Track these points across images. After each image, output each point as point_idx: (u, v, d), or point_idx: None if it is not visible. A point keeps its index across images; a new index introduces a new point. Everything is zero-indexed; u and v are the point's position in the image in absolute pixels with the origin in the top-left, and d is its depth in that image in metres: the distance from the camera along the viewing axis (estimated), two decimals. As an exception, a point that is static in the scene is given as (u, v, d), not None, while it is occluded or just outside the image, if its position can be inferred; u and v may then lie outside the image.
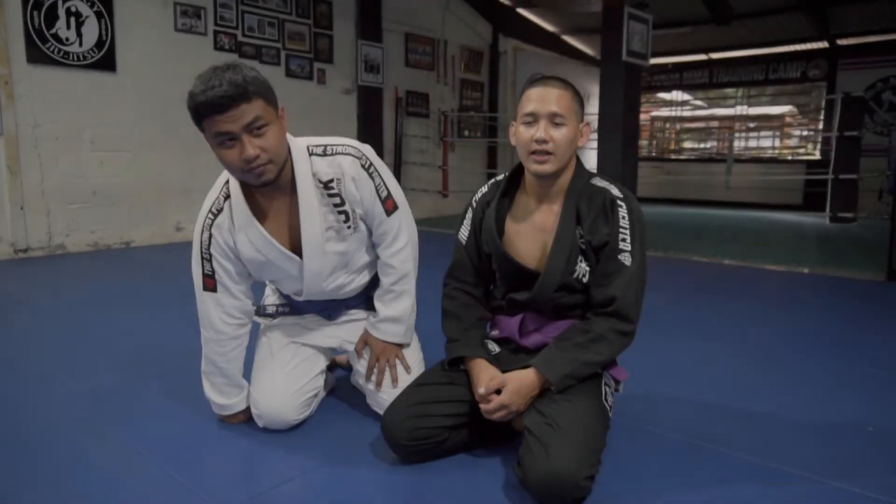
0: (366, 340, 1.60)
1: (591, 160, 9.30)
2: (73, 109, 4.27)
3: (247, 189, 1.43)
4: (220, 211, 1.45)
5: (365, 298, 1.68)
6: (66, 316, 2.72)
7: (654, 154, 10.57)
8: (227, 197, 1.45)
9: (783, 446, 1.52)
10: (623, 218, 1.34)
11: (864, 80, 8.07)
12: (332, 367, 1.88)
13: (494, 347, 1.48)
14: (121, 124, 4.52)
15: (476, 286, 1.54)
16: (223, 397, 1.58)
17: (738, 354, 2.29)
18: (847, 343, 2.46)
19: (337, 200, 1.46)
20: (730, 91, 9.77)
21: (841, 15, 7.52)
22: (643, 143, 10.32)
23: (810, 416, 1.72)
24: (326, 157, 1.46)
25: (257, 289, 1.63)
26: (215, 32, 5.03)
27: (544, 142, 1.33)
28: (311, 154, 1.45)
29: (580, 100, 1.40)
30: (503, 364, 1.40)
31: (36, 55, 4.04)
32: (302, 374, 1.59)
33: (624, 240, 1.33)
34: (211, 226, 1.45)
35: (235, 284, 1.50)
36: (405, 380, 1.56)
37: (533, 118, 1.35)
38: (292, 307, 1.67)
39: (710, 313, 2.93)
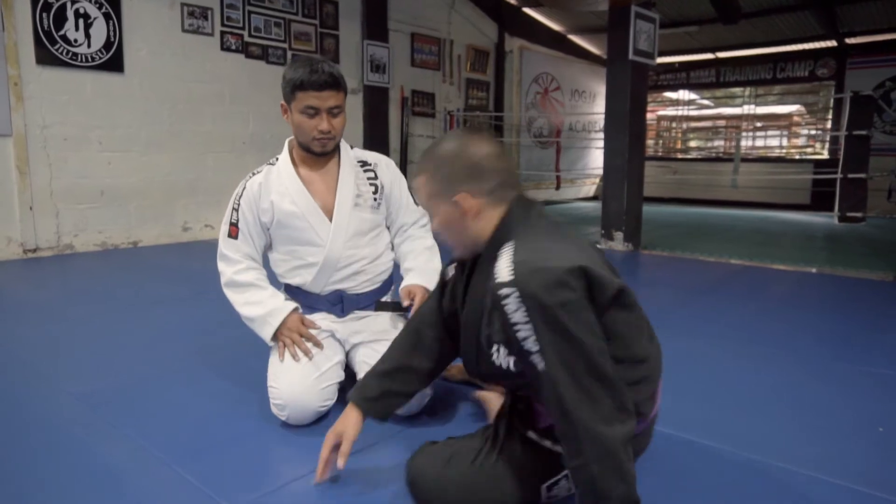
0: (410, 290, 1.76)
1: (597, 160, 9.29)
2: (81, 110, 4.29)
3: (295, 157, 1.74)
4: (259, 172, 1.73)
5: (373, 300, 1.81)
6: (73, 315, 2.74)
7: (660, 153, 10.53)
8: (271, 165, 1.74)
9: (791, 446, 1.52)
10: (514, 311, 0.97)
11: (873, 78, 8.01)
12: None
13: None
14: (128, 125, 4.55)
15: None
16: (265, 304, 1.66)
17: (743, 353, 2.27)
18: (856, 343, 2.44)
19: (371, 175, 1.80)
20: (737, 90, 9.72)
21: (849, 13, 7.47)
22: (650, 142, 10.29)
23: (819, 416, 1.71)
24: (365, 151, 1.86)
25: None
26: (222, 33, 5.05)
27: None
28: (352, 147, 1.84)
29: (445, 173, 1.15)
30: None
31: (45, 56, 4.07)
32: (323, 360, 1.63)
33: (526, 339, 0.97)
34: (246, 183, 1.72)
35: (252, 238, 1.72)
36: None
37: None
38: (303, 304, 1.74)
39: (715, 313, 2.92)
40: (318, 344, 1.64)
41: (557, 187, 8.54)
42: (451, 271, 1.37)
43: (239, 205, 1.70)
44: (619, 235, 4.81)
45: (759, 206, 8.77)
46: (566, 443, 0.99)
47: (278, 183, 1.70)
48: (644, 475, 1.35)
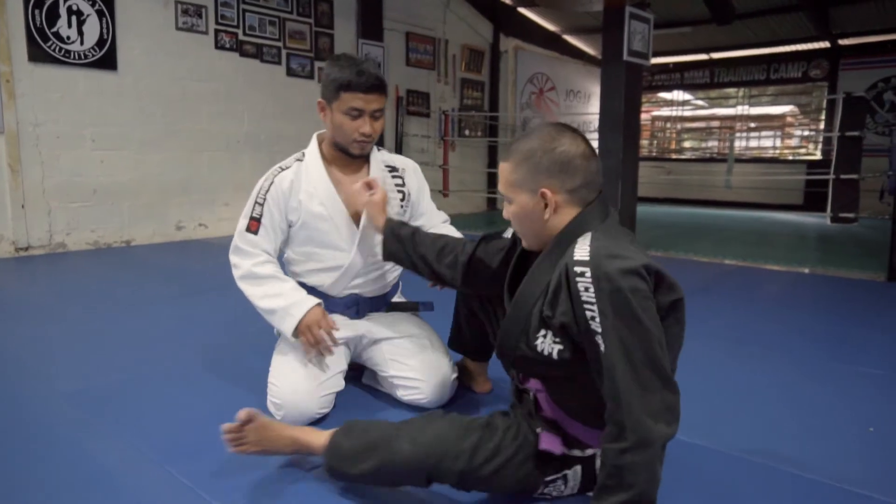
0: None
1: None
2: (74, 108, 4.27)
3: (325, 155, 1.71)
4: (287, 168, 1.69)
5: (387, 301, 1.84)
6: (66, 314, 2.72)
7: (655, 154, 10.56)
8: (299, 161, 1.70)
9: (782, 446, 1.52)
10: (585, 290, 1.00)
11: (865, 80, 8.06)
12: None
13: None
14: (122, 123, 4.52)
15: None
16: (287, 296, 1.60)
17: (737, 353, 2.28)
18: (848, 343, 2.45)
19: (399, 182, 1.79)
20: (731, 91, 9.76)
21: (842, 15, 7.51)
22: (644, 142, 10.31)
23: (810, 416, 1.72)
24: (393, 155, 1.84)
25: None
26: (216, 31, 5.03)
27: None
28: (379, 150, 1.82)
29: (533, 164, 1.15)
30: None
31: (37, 54, 4.04)
32: (325, 369, 1.63)
33: (593, 318, 1.00)
34: (274, 178, 1.67)
35: (273, 234, 1.67)
36: None
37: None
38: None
39: (709, 313, 2.93)
40: (335, 343, 1.61)
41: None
42: (510, 231, 1.41)
43: (265, 200, 1.65)
44: (613, 235, 4.81)
45: (753, 206, 8.82)
46: (610, 425, 1.01)
47: (307, 182, 1.66)
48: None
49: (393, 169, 1.79)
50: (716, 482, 1.36)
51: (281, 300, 1.59)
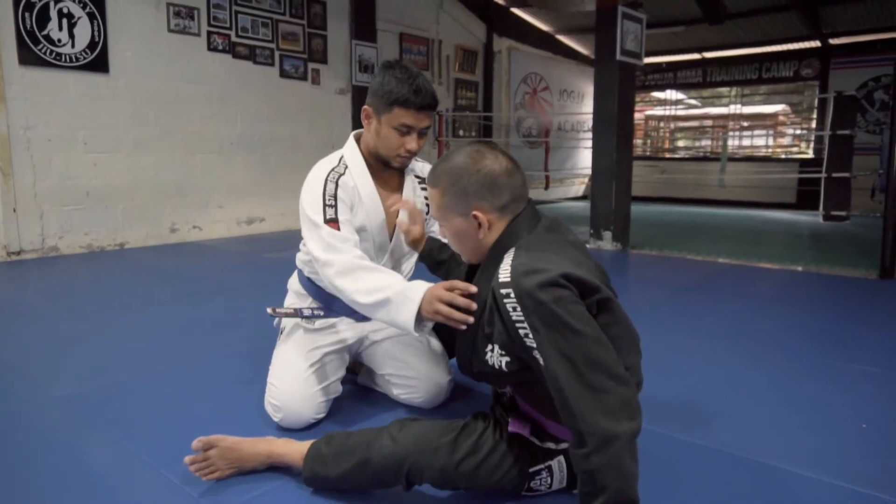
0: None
1: (586, 160, 9.33)
2: (65, 111, 4.25)
3: (368, 164, 1.64)
4: (342, 174, 1.60)
5: None
6: (59, 318, 2.71)
7: (648, 153, 10.59)
8: (345, 167, 1.62)
9: (775, 442, 1.53)
10: (513, 310, 1.03)
11: (856, 79, 8.11)
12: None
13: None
14: (114, 125, 4.50)
15: None
16: (397, 285, 1.38)
17: (731, 352, 2.29)
18: (840, 340, 2.47)
19: (427, 194, 1.71)
20: (723, 90, 9.81)
21: (833, 14, 7.56)
22: (638, 142, 10.34)
23: (803, 413, 1.73)
24: (422, 163, 1.78)
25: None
26: (209, 33, 5.01)
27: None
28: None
29: (461, 188, 1.18)
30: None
31: (28, 56, 4.02)
32: (328, 373, 1.63)
33: (526, 335, 1.02)
34: (337, 180, 1.57)
35: (353, 233, 1.55)
36: None
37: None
38: (327, 310, 1.69)
39: (703, 311, 2.94)
40: (471, 308, 1.28)
41: (546, 187, 8.56)
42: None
43: (335, 202, 1.52)
44: (607, 235, 4.84)
45: (746, 204, 8.85)
46: (571, 433, 1.01)
47: (354, 191, 1.59)
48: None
49: (423, 181, 1.74)
50: (709, 479, 1.36)
51: (388, 291, 1.37)
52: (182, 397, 1.80)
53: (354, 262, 1.44)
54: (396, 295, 1.34)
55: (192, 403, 1.76)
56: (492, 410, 1.33)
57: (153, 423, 1.63)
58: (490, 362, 1.15)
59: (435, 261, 1.56)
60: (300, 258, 1.76)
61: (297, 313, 1.67)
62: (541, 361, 1.02)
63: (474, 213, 1.18)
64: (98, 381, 1.93)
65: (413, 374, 1.68)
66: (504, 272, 1.05)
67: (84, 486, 1.31)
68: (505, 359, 1.12)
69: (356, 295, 1.40)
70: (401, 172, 1.70)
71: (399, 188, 1.70)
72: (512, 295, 1.03)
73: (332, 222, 1.50)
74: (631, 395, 1.01)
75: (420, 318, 1.32)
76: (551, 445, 1.23)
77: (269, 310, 1.66)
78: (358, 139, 1.67)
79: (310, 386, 1.58)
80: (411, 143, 1.55)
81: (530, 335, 1.01)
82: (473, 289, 1.21)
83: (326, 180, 1.55)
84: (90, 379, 1.95)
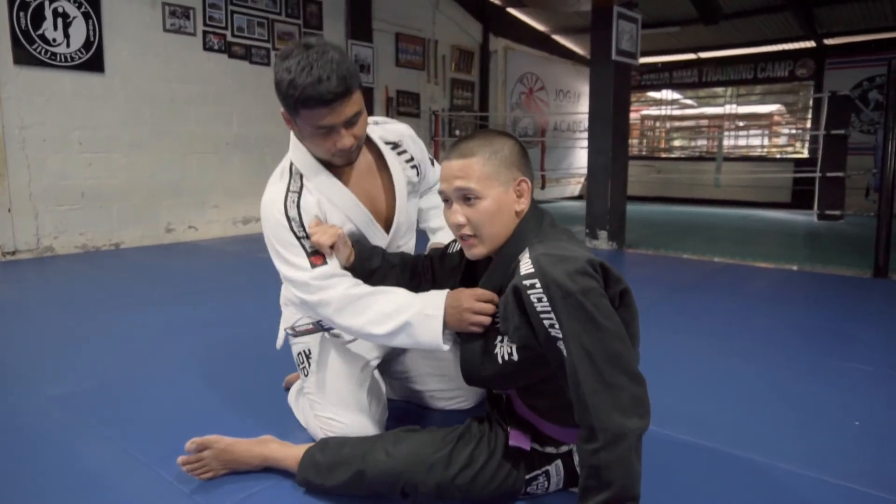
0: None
1: (582, 159, 9.35)
2: (60, 111, 4.23)
3: (326, 165, 1.40)
4: (299, 191, 1.36)
5: None
6: (54, 318, 2.70)
7: (644, 153, 10.62)
8: (301, 178, 1.39)
9: (769, 440, 1.54)
10: (539, 301, 0.99)
11: (850, 78, 8.15)
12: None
13: None
14: (109, 125, 4.49)
15: None
16: (409, 301, 1.26)
17: (725, 350, 2.30)
18: (834, 338, 2.48)
19: (408, 157, 1.53)
20: (719, 90, 9.84)
21: (828, 14, 7.58)
22: (634, 141, 10.36)
23: (797, 410, 1.74)
24: (380, 126, 1.52)
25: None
26: (204, 33, 5.00)
27: (460, 226, 1.19)
28: (376, 124, 1.53)
29: (503, 156, 1.16)
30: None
31: (23, 56, 4.01)
32: (380, 392, 1.53)
33: (552, 326, 0.99)
34: (298, 203, 1.34)
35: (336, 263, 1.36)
36: None
37: (445, 198, 1.22)
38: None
39: (699, 310, 2.95)
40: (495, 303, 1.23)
41: (543, 186, 8.58)
42: (456, 247, 1.41)
43: (303, 232, 1.32)
44: (603, 234, 4.85)
45: (741, 204, 8.88)
46: (582, 427, 1.00)
47: (327, 196, 1.38)
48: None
49: (395, 146, 1.52)
50: (704, 477, 1.37)
51: (404, 314, 1.24)
52: (177, 397, 1.80)
53: (350, 292, 1.28)
54: (414, 316, 1.23)
55: (187, 403, 1.76)
56: (488, 413, 1.32)
57: (148, 422, 1.63)
58: (500, 357, 1.12)
59: (367, 270, 1.37)
60: (286, 296, 1.56)
61: (317, 327, 1.44)
62: (564, 353, 1.00)
63: (522, 179, 1.19)
64: (93, 381, 1.93)
65: (458, 385, 1.59)
66: (525, 265, 1.02)
67: (77, 484, 1.31)
68: (513, 346, 1.10)
69: (368, 328, 1.26)
70: (371, 148, 1.48)
71: (377, 165, 1.48)
72: (538, 285, 0.99)
73: (316, 255, 1.30)
74: (643, 393, 1.01)
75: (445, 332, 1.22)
76: (552, 450, 1.23)
77: (286, 330, 1.50)
78: None
79: (374, 413, 1.44)
80: (342, 140, 1.28)
81: (556, 325, 0.99)
82: (496, 297, 1.19)
83: (286, 210, 1.32)
84: (85, 378, 1.95)
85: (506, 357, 1.12)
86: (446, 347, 1.24)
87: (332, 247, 1.31)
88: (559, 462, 1.23)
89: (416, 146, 1.57)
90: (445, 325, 1.22)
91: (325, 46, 1.24)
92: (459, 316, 1.20)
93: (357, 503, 1.24)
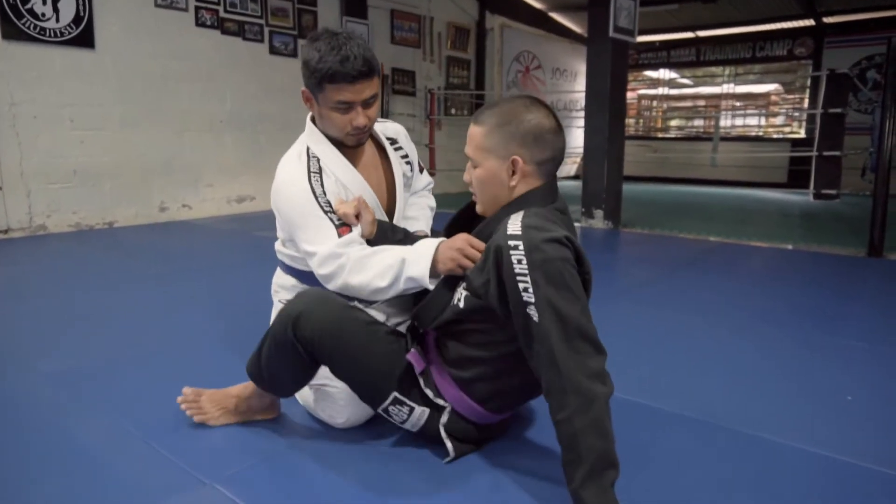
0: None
1: (578, 139, 9.29)
2: (51, 87, 4.17)
3: (339, 149, 1.49)
4: (320, 172, 1.45)
5: None
6: (48, 296, 2.69)
7: (641, 132, 10.57)
8: (318, 160, 1.47)
9: (763, 415, 1.55)
10: (518, 262, 1.03)
11: (849, 57, 8.09)
12: None
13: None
14: (101, 102, 4.43)
15: None
16: (403, 250, 1.32)
17: (721, 327, 2.32)
18: (828, 316, 2.50)
19: (403, 153, 1.65)
20: (717, 69, 9.77)
21: (827, -8, 7.51)
22: (630, 121, 10.31)
23: (791, 386, 1.76)
24: (380, 123, 1.63)
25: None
26: (196, 8, 4.91)
27: (468, 183, 1.28)
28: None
29: (509, 131, 1.18)
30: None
31: (11, 31, 3.93)
32: None
33: (525, 290, 1.02)
34: (322, 184, 1.43)
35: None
36: None
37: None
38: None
39: (695, 288, 2.96)
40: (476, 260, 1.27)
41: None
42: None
43: (329, 207, 1.39)
44: (599, 213, 4.84)
45: (738, 184, 8.88)
46: (553, 397, 1.03)
47: (337, 184, 1.46)
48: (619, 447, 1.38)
49: (393, 141, 1.64)
50: (699, 450, 1.38)
51: (402, 257, 1.31)
52: (171, 373, 1.80)
53: (361, 253, 1.34)
54: (409, 254, 1.31)
55: (182, 379, 1.76)
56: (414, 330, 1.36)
57: (142, 398, 1.63)
58: (454, 305, 1.21)
59: (392, 242, 1.42)
60: (282, 251, 1.60)
61: None
62: (534, 317, 1.03)
63: (514, 157, 1.18)
64: (87, 358, 1.93)
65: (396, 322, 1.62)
66: (513, 226, 1.06)
67: (72, 460, 1.31)
68: (464, 293, 1.18)
69: (375, 282, 1.31)
70: (374, 142, 1.59)
71: (379, 158, 1.58)
72: (521, 247, 1.03)
73: (344, 227, 1.37)
74: (603, 365, 1.05)
75: (433, 273, 1.29)
76: (430, 394, 1.27)
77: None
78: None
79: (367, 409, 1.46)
80: (357, 118, 1.39)
81: (530, 289, 1.02)
82: (483, 245, 1.21)
83: (312, 188, 1.41)
84: (78, 355, 1.95)
85: (455, 301, 1.20)
86: (431, 286, 1.29)
87: (357, 217, 1.38)
88: (427, 410, 1.27)
89: (411, 146, 1.70)
90: (435, 266, 1.28)
91: (352, 34, 1.39)
92: (451, 253, 1.26)
93: (343, 473, 1.25)
